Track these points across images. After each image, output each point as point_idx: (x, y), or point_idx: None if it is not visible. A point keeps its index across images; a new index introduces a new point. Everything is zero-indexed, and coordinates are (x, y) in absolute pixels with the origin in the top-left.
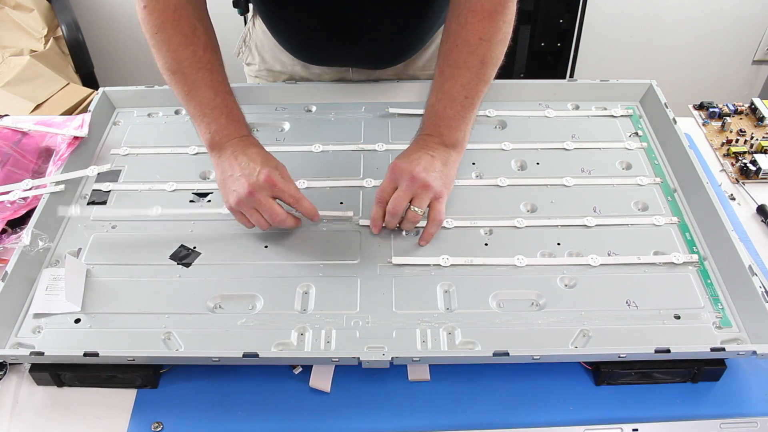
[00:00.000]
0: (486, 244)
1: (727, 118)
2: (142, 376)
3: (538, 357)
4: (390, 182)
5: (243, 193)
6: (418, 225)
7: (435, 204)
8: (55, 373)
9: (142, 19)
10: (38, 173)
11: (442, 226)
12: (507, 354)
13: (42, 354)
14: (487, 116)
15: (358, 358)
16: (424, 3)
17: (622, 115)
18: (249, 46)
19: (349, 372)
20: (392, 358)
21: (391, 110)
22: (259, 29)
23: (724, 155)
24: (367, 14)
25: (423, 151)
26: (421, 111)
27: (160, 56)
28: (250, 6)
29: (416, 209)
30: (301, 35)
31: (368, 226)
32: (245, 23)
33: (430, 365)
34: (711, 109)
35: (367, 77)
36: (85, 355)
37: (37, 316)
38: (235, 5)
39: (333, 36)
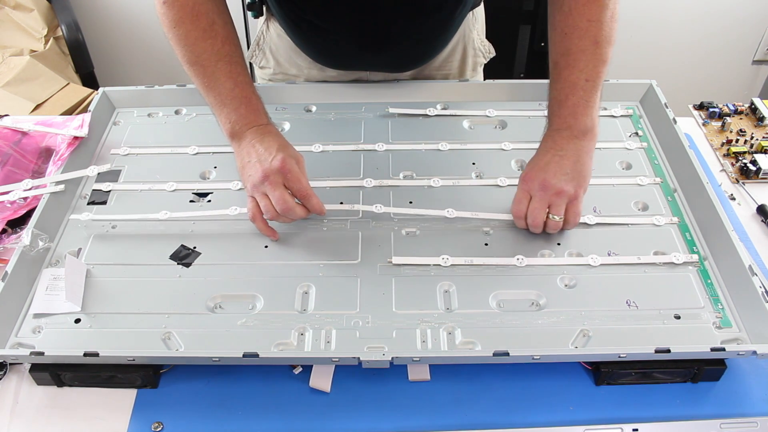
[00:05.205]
0: (486, 244)
1: (727, 118)
2: (142, 376)
3: (538, 357)
4: (523, 194)
5: (257, 178)
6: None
7: (569, 207)
8: (55, 373)
9: (161, 14)
10: (38, 173)
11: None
12: (507, 354)
13: (42, 354)
14: (487, 116)
15: (358, 358)
16: (453, 7)
17: (622, 115)
18: (263, 49)
19: (349, 372)
20: (392, 358)
21: (391, 110)
22: (273, 33)
23: (724, 155)
24: (398, 20)
25: (552, 153)
26: (421, 111)
27: (179, 49)
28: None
29: (555, 217)
30: (327, 40)
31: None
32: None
33: (430, 365)
34: (711, 109)
35: (384, 79)
36: (85, 355)
37: (37, 316)
38: (249, 8)
39: (362, 41)
